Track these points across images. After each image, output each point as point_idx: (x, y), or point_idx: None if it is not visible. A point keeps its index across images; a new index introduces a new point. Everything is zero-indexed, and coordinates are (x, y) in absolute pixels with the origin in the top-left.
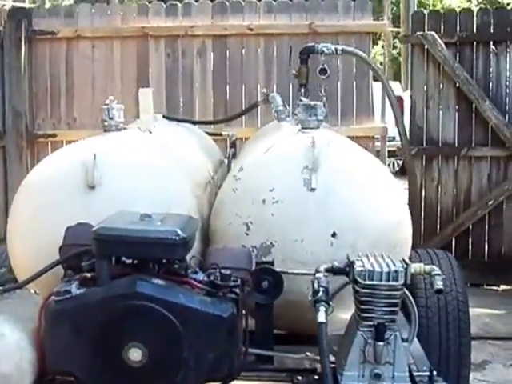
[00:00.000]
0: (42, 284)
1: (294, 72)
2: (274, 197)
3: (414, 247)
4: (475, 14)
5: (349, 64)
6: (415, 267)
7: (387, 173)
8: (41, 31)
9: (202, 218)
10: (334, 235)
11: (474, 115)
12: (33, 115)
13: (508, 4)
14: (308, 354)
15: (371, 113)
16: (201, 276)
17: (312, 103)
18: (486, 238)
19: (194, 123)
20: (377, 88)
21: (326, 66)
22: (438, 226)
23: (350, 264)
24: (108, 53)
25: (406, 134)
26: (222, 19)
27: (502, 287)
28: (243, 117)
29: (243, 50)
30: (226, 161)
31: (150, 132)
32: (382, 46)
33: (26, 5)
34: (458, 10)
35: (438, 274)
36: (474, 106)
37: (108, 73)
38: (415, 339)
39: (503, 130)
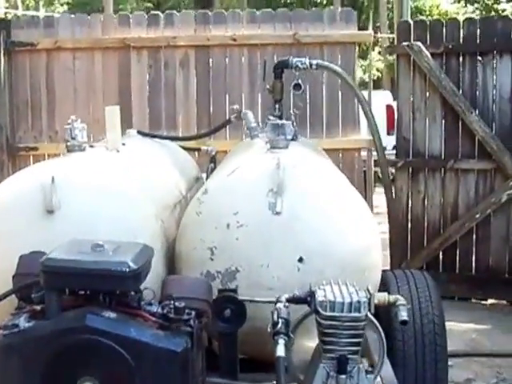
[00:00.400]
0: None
1: (268, 87)
2: (239, 221)
3: (400, 262)
4: (461, 25)
5: (333, 75)
6: (379, 297)
7: (356, 195)
8: (20, 43)
9: (168, 241)
10: (300, 260)
11: (460, 127)
12: (13, 128)
13: (503, 10)
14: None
15: (357, 125)
16: (155, 308)
17: (280, 122)
18: (474, 252)
19: (169, 139)
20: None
21: (300, 81)
22: (425, 239)
23: (312, 294)
24: (89, 64)
25: (381, 145)
26: (205, 29)
27: (490, 301)
28: (227, 129)
29: (227, 61)
30: (204, 176)
31: (118, 151)
32: (379, 52)
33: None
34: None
35: (403, 305)
36: (460, 117)
37: (89, 85)
38: (388, 365)
39: (490, 142)
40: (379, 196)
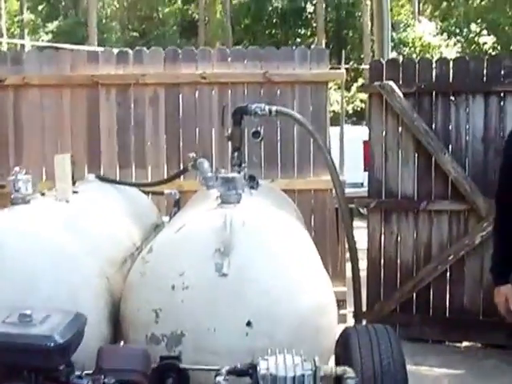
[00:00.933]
0: None
1: (226, 134)
2: (184, 282)
3: (374, 302)
4: (434, 64)
5: (304, 114)
6: (326, 369)
7: (311, 251)
8: None
9: (114, 300)
10: (248, 324)
11: (433, 168)
12: None
13: (484, 43)
14: None
15: None
16: (85, 382)
17: (231, 176)
18: (448, 294)
19: (128, 185)
20: (335, 138)
21: (259, 128)
22: (399, 281)
23: (254, 366)
24: (57, 101)
25: (341, 187)
26: (175, 67)
27: (465, 344)
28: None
29: (196, 99)
30: (167, 221)
31: (67, 201)
32: (362, 84)
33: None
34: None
35: (351, 378)
36: (433, 158)
37: (57, 122)
38: None
39: (463, 183)
40: (359, 230)
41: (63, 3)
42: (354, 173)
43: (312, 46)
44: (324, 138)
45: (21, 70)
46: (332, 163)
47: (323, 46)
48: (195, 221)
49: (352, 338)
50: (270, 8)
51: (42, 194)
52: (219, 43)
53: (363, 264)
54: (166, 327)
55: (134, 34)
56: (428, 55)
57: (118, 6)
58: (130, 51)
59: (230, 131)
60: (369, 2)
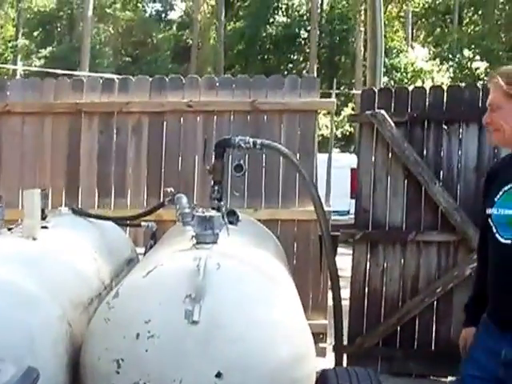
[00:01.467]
0: None
1: (207, 168)
2: (150, 330)
3: (356, 336)
4: (428, 92)
5: (292, 142)
6: None
7: (290, 295)
8: None
9: (76, 346)
10: (218, 375)
11: (423, 198)
12: None
13: (477, 69)
14: None
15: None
16: None
17: (208, 215)
18: (434, 327)
19: (103, 219)
20: (323, 164)
21: (241, 162)
22: (383, 314)
23: None
24: (38, 129)
25: (325, 220)
26: (161, 95)
27: (450, 378)
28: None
29: (181, 128)
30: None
31: (34, 238)
32: (353, 109)
33: None
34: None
35: None
36: (423, 188)
37: (38, 149)
38: None
39: (453, 213)
40: (344, 257)
41: (59, 29)
42: (341, 200)
43: (304, 72)
44: (311, 167)
45: (4, 98)
46: (318, 198)
47: (315, 71)
48: (166, 263)
49: (331, 382)
50: (264, 34)
51: (9, 229)
52: (211, 68)
53: (346, 293)
54: (127, 379)
55: (127, 59)
56: (419, 80)
57: (112, 31)
58: (116, 79)
59: (211, 164)
60: (363, 29)
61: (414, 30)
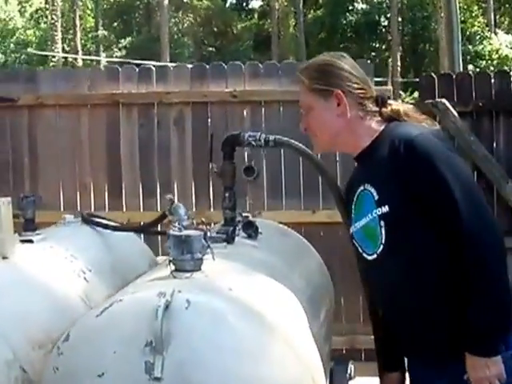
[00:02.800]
0: None
1: (214, 170)
2: None
3: None
4: (493, 78)
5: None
6: None
7: (292, 347)
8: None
9: None
10: None
11: (495, 198)
12: None
13: None
14: None
15: None
16: None
17: (185, 234)
18: None
19: (116, 229)
20: None
21: (253, 163)
22: None
23: None
24: (75, 122)
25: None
26: (202, 85)
27: None
28: (211, 199)
29: (227, 120)
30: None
31: (4, 257)
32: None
33: None
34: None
35: None
36: (494, 187)
37: (75, 145)
38: None
39: None
40: None
41: (137, 19)
42: None
43: (389, 61)
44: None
45: (35, 89)
46: (343, 206)
47: (398, 59)
48: (126, 298)
49: None
50: (344, 22)
51: None
52: (292, 57)
53: None
54: None
55: (210, 49)
56: (506, 68)
57: (192, 21)
58: (153, 67)
59: (219, 166)
60: (443, 14)
61: (498, 16)
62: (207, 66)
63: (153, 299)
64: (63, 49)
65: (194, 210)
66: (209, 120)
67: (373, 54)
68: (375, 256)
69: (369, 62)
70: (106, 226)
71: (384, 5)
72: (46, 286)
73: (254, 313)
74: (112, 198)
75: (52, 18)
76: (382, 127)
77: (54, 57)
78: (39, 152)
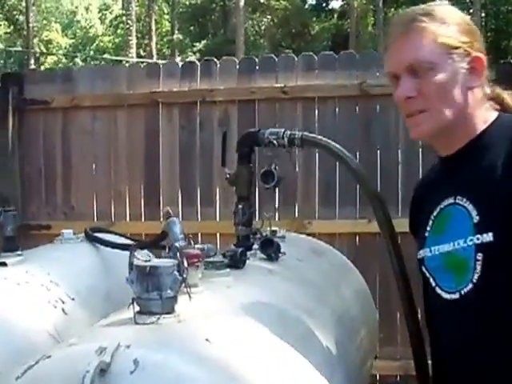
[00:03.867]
0: None
1: (227, 175)
2: None
3: None
4: None
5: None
6: None
7: None
8: (32, 100)
9: None
10: None
11: None
12: (24, 202)
13: None
14: None
15: None
16: None
17: (150, 265)
18: None
19: (113, 247)
20: None
21: (274, 167)
22: None
23: None
24: (111, 125)
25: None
26: (250, 80)
27: None
28: (257, 208)
29: (276, 119)
30: None
31: None
32: None
33: None
34: None
35: None
36: None
37: (110, 150)
38: None
39: None
40: None
41: (213, 22)
42: None
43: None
44: None
45: (71, 89)
46: (385, 217)
47: None
48: (56, 354)
49: None
50: None
51: None
52: None
53: None
54: None
55: (286, 51)
56: None
57: (270, 22)
58: (197, 62)
59: (233, 171)
60: None
61: None
62: (256, 59)
63: (88, 357)
64: (138, 54)
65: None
66: (256, 120)
67: None
68: (457, 296)
69: None
70: (110, 244)
71: (467, 0)
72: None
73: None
74: (148, 207)
75: (127, 23)
76: (493, 118)
77: (127, 62)
78: (73, 159)
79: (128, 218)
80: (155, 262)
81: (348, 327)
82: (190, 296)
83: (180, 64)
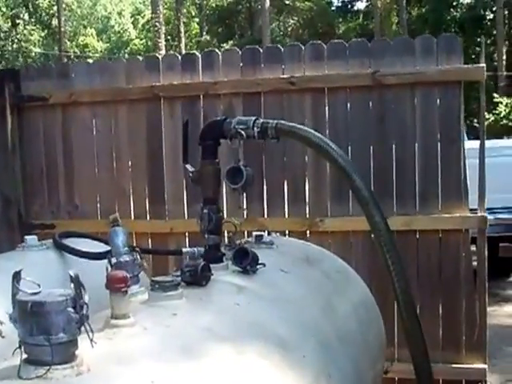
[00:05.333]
0: None
1: (190, 174)
2: None
3: None
4: None
5: (429, 125)
6: None
7: None
8: (30, 97)
9: None
10: None
11: None
12: (27, 201)
13: None
14: None
15: (463, 195)
16: None
17: (32, 301)
18: None
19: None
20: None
21: (243, 164)
22: None
23: None
24: (112, 121)
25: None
26: (255, 72)
27: None
28: (265, 204)
29: (284, 112)
30: None
31: None
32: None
33: None
34: None
35: None
36: None
37: (113, 147)
38: None
39: None
40: None
41: (241, 23)
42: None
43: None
44: (457, 157)
45: (68, 85)
46: (377, 212)
47: (503, 53)
48: None
49: None
50: (448, 17)
51: None
52: None
53: None
54: None
55: None
56: None
57: (296, 23)
58: (198, 54)
59: (195, 169)
60: None
61: None
62: (260, 50)
63: None
64: None
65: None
66: (262, 113)
67: (477, 48)
68: None
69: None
70: (77, 253)
71: None
72: None
73: None
74: (153, 205)
75: (155, 26)
76: None
77: None
78: (74, 157)
79: (133, 217)
80: (43, 295)
81: (337, 353)
82: (91, 341)
83: (180, 56)
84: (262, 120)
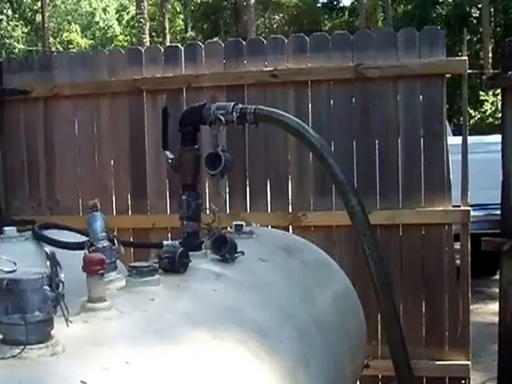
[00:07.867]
0: None
1: (170, 160)
2: None
3: None
4: None
5: (412, 119)
6: None
7: None
8: (12, 90)
9: None
10: None
11: None
12: (7, 197)
13: None
14: None
15: (446, 189)
16: None
17: (8, 278)
18: None
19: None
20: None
21: (221, 149)
22: None
23: None
24: (94, 115)
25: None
26: (238, 64)
27: None
28: (248, 199)
29: (267, 105)
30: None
31: None
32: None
33: None
34: None
35: None
36: None
37: (95, 141)
38: None
39: None
40: None
41: (225, 19)
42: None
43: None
44: (441, 152)
45: (50, 78)
46: (357, 206)
47: (489, 51)
48: None
49: None
50: (434, 15)
51: None
52: None
53: None
54: None
55: None
56: None
57: (280, 20)
58: (181, 47)
59: (175, 155)
60: None
61: None
62: (243, 42)
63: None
64: None
65: (227, 211)
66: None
67: (462, 46)
68: None
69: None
70: (56, 243)
71: None
72: None
73: None
74: (135, 200)
75: (140, 22)
76: None
77: None
78: (56, 151)
79: (115, 212)
80: (19, 273)
81: (315, 341)
82: (67, 321)
83: (162, 49)
84: (241, 105)
